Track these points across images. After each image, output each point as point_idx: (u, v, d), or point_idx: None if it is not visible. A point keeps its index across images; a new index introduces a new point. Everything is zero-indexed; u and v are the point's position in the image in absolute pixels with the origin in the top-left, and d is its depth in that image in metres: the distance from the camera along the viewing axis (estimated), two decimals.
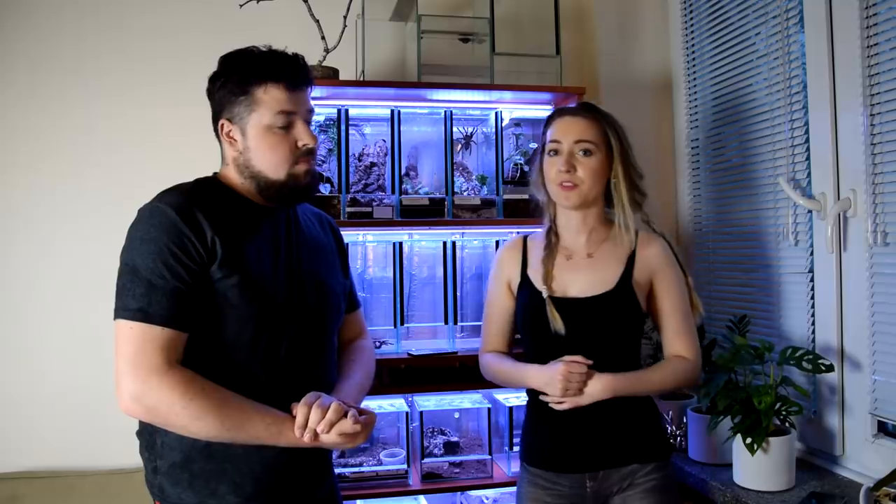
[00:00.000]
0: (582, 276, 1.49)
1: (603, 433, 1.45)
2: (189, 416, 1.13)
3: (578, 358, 1.42)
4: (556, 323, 1.45)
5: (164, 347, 1.14)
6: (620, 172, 1.49)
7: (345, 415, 1.19)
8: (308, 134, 1.28)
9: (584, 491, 1.46)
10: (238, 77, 1.26)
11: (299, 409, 1.17)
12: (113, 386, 1.18)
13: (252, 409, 1.17)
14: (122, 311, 1.15)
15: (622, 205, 1.50)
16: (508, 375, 1.55)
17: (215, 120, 1.31)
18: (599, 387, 1.41)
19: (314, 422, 1.16)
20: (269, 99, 1.25)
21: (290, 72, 1.27)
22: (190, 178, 1.32)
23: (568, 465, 1.47)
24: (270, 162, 1.27)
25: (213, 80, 1.29)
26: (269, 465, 1.21)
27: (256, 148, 1.27)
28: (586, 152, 1.47)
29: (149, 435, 1.25)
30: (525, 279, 1.54)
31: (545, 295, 1.48)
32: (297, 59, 1.30)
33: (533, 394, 1.52)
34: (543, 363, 1.47)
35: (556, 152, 1.49)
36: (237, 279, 1.20)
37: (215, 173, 1.35)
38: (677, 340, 1.49)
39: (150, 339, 1.13)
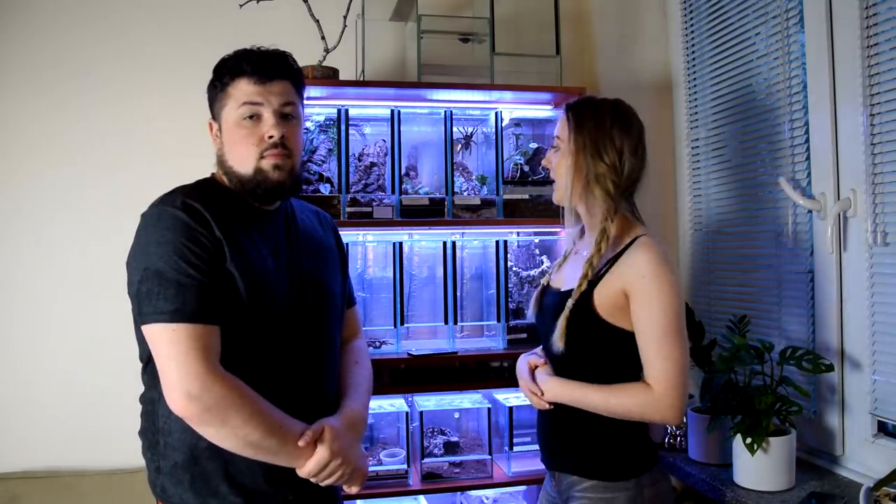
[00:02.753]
0: (571, 272, 1.46)
1: (558, 435, 1.43)
2: (245, 415, 1.14)
3: (541, 363, 1.47)
4: (531, 309, 1.52)
5: (208, 345, 1.15)
6: (572, 169, 1.40)
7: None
8: (273, 125, 1.26)
9: (552, 487, 1.47)
10: (218, 76, 1.29)
11: (310, 466, 1.21)
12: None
13: (289, 418, 1.21)
14: (156, 315, 1.14)
15: (592, 205, 1.42)
16: None
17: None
18: (550, 390, 1.42)
19: (319, 479, 1.23)
20: (237, 92, 1.27)
21: (258, 65, 1.27)
22: (192, 180, 1.33)
23: (543, 460, 1.50)
24: (238, 156, 1.28)
25: (208, 85, 1.33)
26: (271, 465, 1.22)
27: (227, 143, 1.29)
28: (555, 148, 1.47)
29: (152, 435, 1.25)
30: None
31: (542, 282, 1.54)
32: (269, 53, 1.30)
33: None
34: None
35: None
36: (241, 281, 1.21)
37: (213, 174, 1.35)
38: (645, 368, 1.31)
39: (194, 338, 1.13)
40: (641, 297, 1.30)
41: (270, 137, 1.26)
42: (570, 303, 1.35)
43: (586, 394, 1.36)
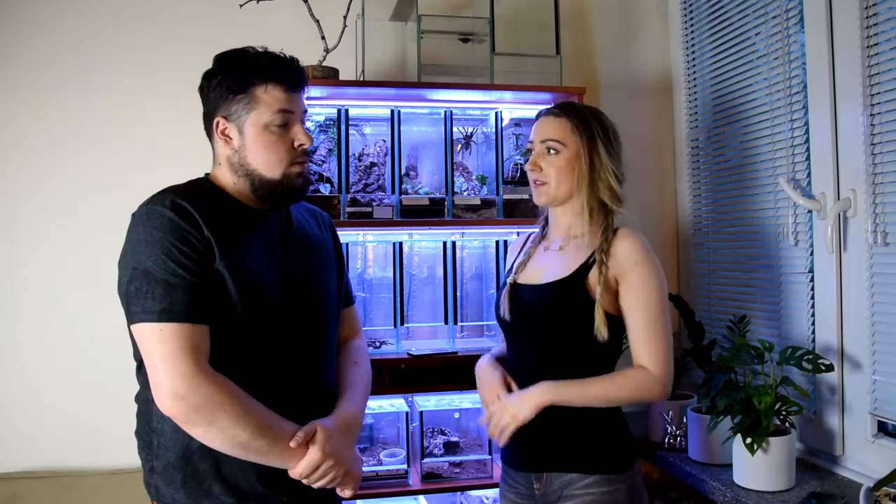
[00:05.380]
0: (548, 266, 1.48)
1: (546, 434, 1.41)
2: (233, 415, 1.14)
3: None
4: (504, 307, 1.48)
5: (196, 344, 1.15)
6: (586, 169, 1.45)
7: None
8: (304, 134, 1.30)
9: (533, 492, 1.44)
10: (237, 76, 1.27)
11: (302, 467, 1.21)
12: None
13: (281, 419, 1.21)
14: (144, 315, 1.15)
15: (580, 204, 1.46)
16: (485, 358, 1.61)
17: (209, 118, 1.31)
18: (544, 395, 1.36)
19: (310, 481, 1.23)
20: (270, 98, 1.27)
21: (289, 73, 1.29)
22: (189, 178, 1.33)
23: (518, 463, 1.47)
24: (266, 161, 1.28)
25: (209, 77, 1.30)
26: (264, 466, 1.22)
27: (253, 146, 1.28)
28: (551, 150, 1.46)
29: (146, 435, 1.25)
30: (511, 268, 1.59)
31: (509, 281, 1.52)
32: (294, 62, 1.32)
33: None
34: (507, 347, 1.54)
35: (531, 151, 1.52)
36: (233, 283, 1.21)
37: (207, 174, 1.35)
38: (638, 349, 1.39)
39: (182, 338, 1.14)
40: (634, 282, 1.39)
41: (301, 146, 1.30)
42: (598, 290, 1.38)
43: (585, 388, 1.37)
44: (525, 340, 1.48)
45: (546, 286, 1.44)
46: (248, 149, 1.28)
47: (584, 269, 1.42)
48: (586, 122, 1.47)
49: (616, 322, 1.41)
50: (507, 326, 1.50)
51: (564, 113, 1.49)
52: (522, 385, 1.44)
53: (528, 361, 1.47)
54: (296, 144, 1.30)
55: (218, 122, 1.29)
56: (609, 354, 1.44)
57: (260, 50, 1.30)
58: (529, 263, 1.54)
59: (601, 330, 1.37)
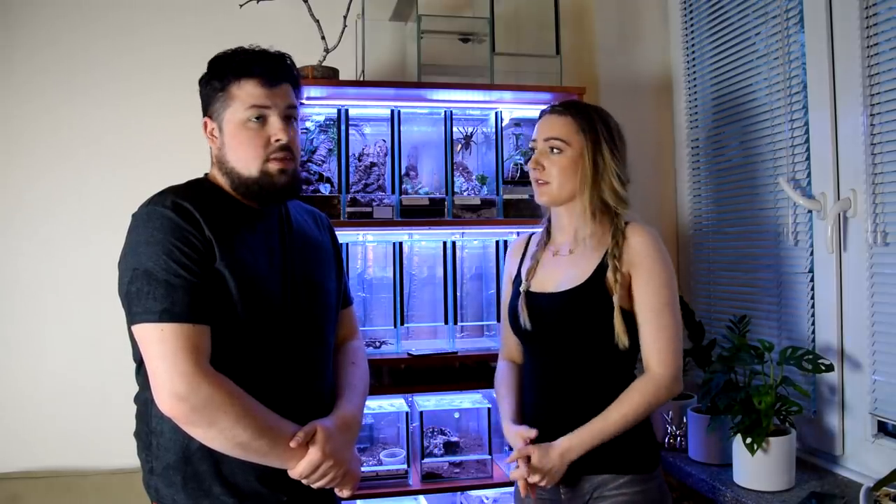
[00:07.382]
0: (561, 272, 1.46)
1: None
2: (233, 416, 1.14)
3: (521, 452, 1.36)
4: (524, 316, 1.45)
5: (197, 345, 1.14)
6: (589, 170, 1.42)
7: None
8: (280, 129, 1.27)
9: (559, 497, 1.43)
10: (217, 74, 1.28)
11: (302, 468, 1.21)
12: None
13: (281, 419, 1.21)
14: (145, 315, 1.14)
15: (582, 205, 1.44)
16: (499, 404, 1.55)
17: (203, 119, 1.33)
18: (566, 452, 1.34)
19: (310, 481, 1.23)
20: (243, 94, 1.26)
21: (265, 67, 1.27)
22: (189, 178, 1.33)
23: None
24: (242, 157, 1.27)
25: (200, 80, 1.32)
26: (264, 465, 1.21)
27: (230, 143, 1.28)
28: (554, 150, 1.44)
29: (145, 436, 1.25)
30: (518, 275, 1.55)
31: (522, 289, 1.48)
32: (274, 56, 1.30)
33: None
34: (526, 358, 1.51)
35: (534, 150, 1.49)
36: (233, 283, 1.20)
37: (206, 174, 1.35)
38: (646, 346, 1.38)
39: (183, 338, 1.13)
40: (643, 276, 1.38)
41: (278, 141, 1.27)
42: (615, 299, 1.37)
43: (603, 426, 1.35)
44: (547, 349, 1.45)
45: (565, 293, 1.41)
46: (227, 146, 1.28)
47: (601, 271, 1.40)
48: (591, 121, 1.45)
49: (634, 322, 1.39)
50: (528, 336, 1.47)
51: (569, 111, 1.46)
52: (543, 391, 1.44)
53: (550, 370, 1.45)
54: (272, 140, 1.27)
55: (206, 122, 1.31)
56: (631, 358, 1.42)
57: (248, 48, 1.30)
58: (539, 270, 1.50)
59: (621, 338, 1.36)
